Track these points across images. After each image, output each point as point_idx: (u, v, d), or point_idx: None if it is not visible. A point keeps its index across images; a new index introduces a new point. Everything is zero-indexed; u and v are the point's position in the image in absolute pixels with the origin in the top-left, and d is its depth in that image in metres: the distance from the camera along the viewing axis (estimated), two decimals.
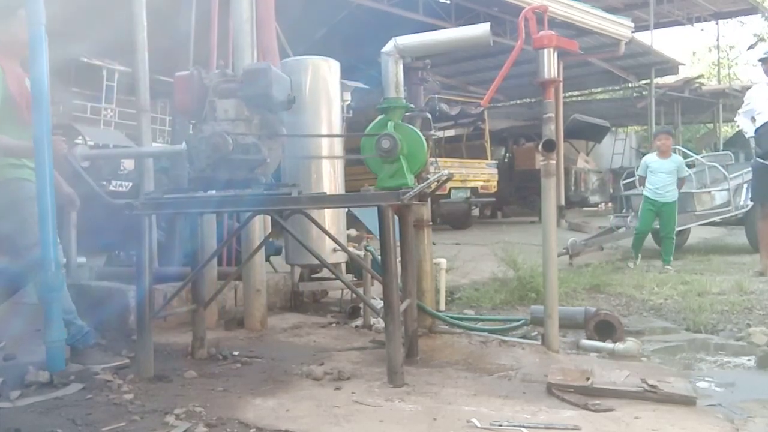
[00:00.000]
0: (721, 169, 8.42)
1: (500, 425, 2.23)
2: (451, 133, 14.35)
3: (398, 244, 3.04)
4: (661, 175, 7.08)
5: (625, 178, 9.56)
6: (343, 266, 4.51)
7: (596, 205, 16.69)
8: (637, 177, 7.80)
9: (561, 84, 11.09)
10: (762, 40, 25.07)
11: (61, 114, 10.53)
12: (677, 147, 8.56)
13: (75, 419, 2.36)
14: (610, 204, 16.47)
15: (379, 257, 3.01)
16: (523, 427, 2.21)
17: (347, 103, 6.06)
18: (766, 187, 6.08)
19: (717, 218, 8.39)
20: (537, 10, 3.37)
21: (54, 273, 2.90)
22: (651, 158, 7.34)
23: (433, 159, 8.31)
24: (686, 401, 2.47)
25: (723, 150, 13.51)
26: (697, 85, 18.71)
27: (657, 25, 15.63)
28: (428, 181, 3.10)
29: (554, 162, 3.29)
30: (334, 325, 4.08)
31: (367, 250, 4.24)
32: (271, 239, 4.46)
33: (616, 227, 8.29)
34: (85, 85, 11.36)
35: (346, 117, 5.65)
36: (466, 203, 12.47)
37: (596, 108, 18.30)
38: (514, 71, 8.58)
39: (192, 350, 3.30)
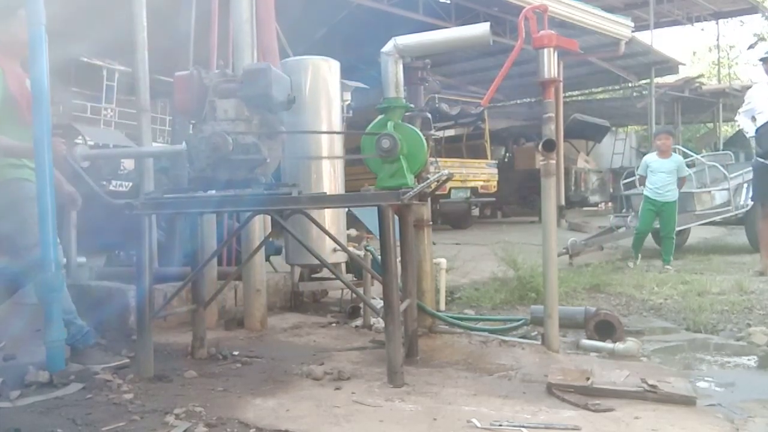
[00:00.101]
0: (721, 168, 8.42)
1: (500, 425, 2.23)
2: (451, 132, 14.36)
3: (398, 244, 3.04)
4: (661, 174, 7.08)
5: (625, 178, 9.55)
6: (343, 266, 4.51)
7: (596, 204, 16.69)
8: (637, 177, 7.80)
9: (561, 84, 11.09)
10: (762, 39, 25.07)
11: (61, 114, 10.53)
12: (677, 147, 8.55)
13: (75, 419, 2.36)
14: (610, 204, 16.46)
15: (379, 257, 3.01)
16: (523, 427, 2.21)
17: (347, 103, 6.05)
18: (767, 186, 6.08)
19: (717, 218, 8.39)
20: (537, 10, 3.37)
21: (54, 273, 2.90)
22: (651, 158, 7.34)
23: (433, 159, 8.30)
24: (686, 401, 2.47)
25: (723, 150, 13.53)
26: (698, 84, 18.69)
27: (657, 25, 15.63)
28: (428, 181, 3.09)
29: (554, 162, 3.29)
30: (334, 325, 4.09)
31: (367, 250, 4.24)
32: (271, 239, 4.46)
33: (616, 227, 8.28)
34: (85, 85, 11.37)
35: (346, 117, 5.65)
36: (466, 203, 12.48)
37: (596, 108, 18.30)
38: (514, 71, 8.58)
39: (192, 350, 3.30)
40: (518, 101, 20.31)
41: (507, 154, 15.62)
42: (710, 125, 22.50)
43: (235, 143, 2.90)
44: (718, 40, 20.75)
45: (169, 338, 3.68)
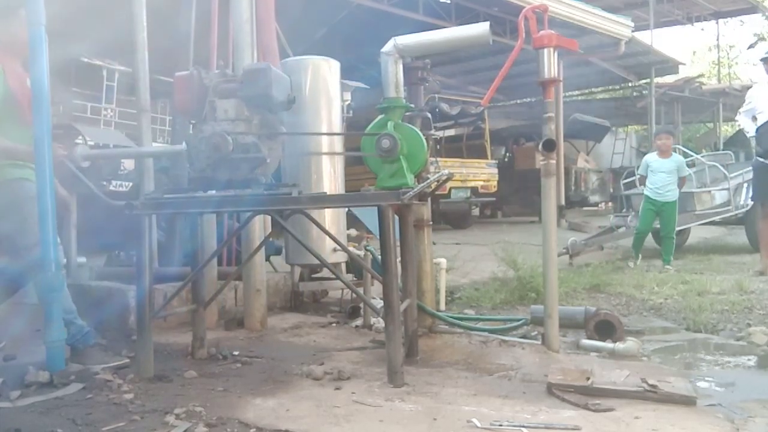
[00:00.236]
0: (722, 168, 8.42)
1: (500, 425, 2.23)
2: (451, 132, 14.36)
3: (398, 244, 3.04)
4: (661, 174, 7.09)
5: (626, 178, 9.56)
6: (343, 266, 4.51)
7: (596, 204, 16.68)
8: (637, 176, 7.80)
9: (561, 83, 11.08)
10: (762, 39, 25.07)
11: (61, 114, 10.52)
12: (677, 146, 8.55)
13: (75, 419, 2.36)
14: (610, 204, 16.46)
15: (379, 257, 3.00)
16: (523, 427, 2.21)
17: (347, 103, 6.05)
18: (767, 186, 6.08)
19: (717, 218, 8.39)
20: (537, 10, 3.37)
21: (54, 273, 2.90)
22: (651, 158, 7.34)
23: (433, 159, 8.30)
24: (686, 401, 2.47)
25: (723, 149, 13.52)
26: (698, 84, 18.70)
27: (657, 25, 15.64)
28: (428, 180, 3.10)
29: (554, 162, 3.29)
30: (334, 325, 4.09)
31: (367, 250, 4.24)
32: (271, 239, 4.46)
33: (616, 227, 8.29)
34: (85, 85, 11.35)
35: (346, 117, 5.65)
36: (466, 203, 12.47)
37: (596, 107, 18.29)
38: (514, 71, 8.58)
39: (192, 350, 3.30)
40: (518, 101, 20.32)
41: (507, 154, 15.61)
42: (710, 125, 22.50)
43: (235, 143, 2.90)
44: (718, 39, 20.80)
45: (169, 338, 3.68)
